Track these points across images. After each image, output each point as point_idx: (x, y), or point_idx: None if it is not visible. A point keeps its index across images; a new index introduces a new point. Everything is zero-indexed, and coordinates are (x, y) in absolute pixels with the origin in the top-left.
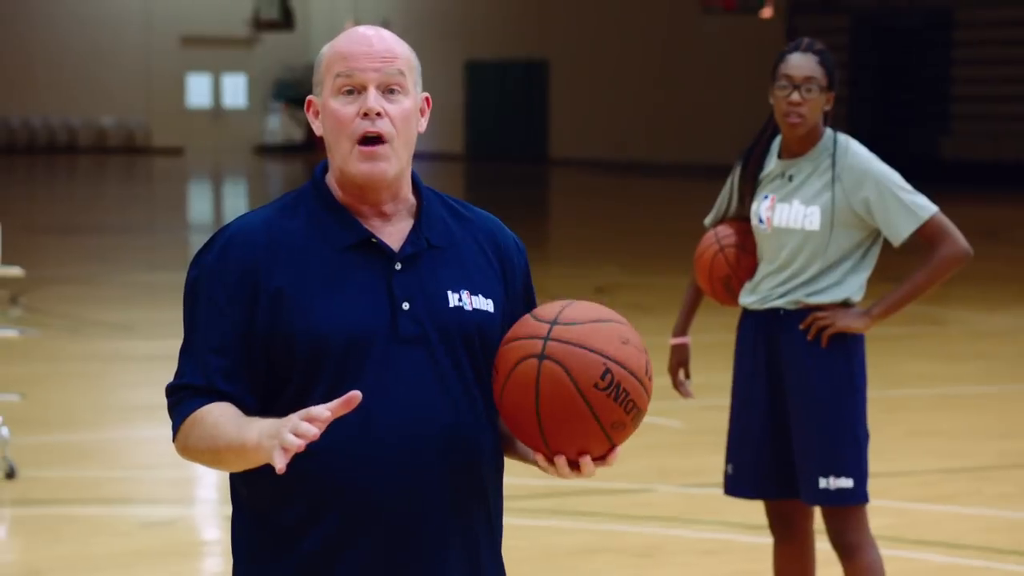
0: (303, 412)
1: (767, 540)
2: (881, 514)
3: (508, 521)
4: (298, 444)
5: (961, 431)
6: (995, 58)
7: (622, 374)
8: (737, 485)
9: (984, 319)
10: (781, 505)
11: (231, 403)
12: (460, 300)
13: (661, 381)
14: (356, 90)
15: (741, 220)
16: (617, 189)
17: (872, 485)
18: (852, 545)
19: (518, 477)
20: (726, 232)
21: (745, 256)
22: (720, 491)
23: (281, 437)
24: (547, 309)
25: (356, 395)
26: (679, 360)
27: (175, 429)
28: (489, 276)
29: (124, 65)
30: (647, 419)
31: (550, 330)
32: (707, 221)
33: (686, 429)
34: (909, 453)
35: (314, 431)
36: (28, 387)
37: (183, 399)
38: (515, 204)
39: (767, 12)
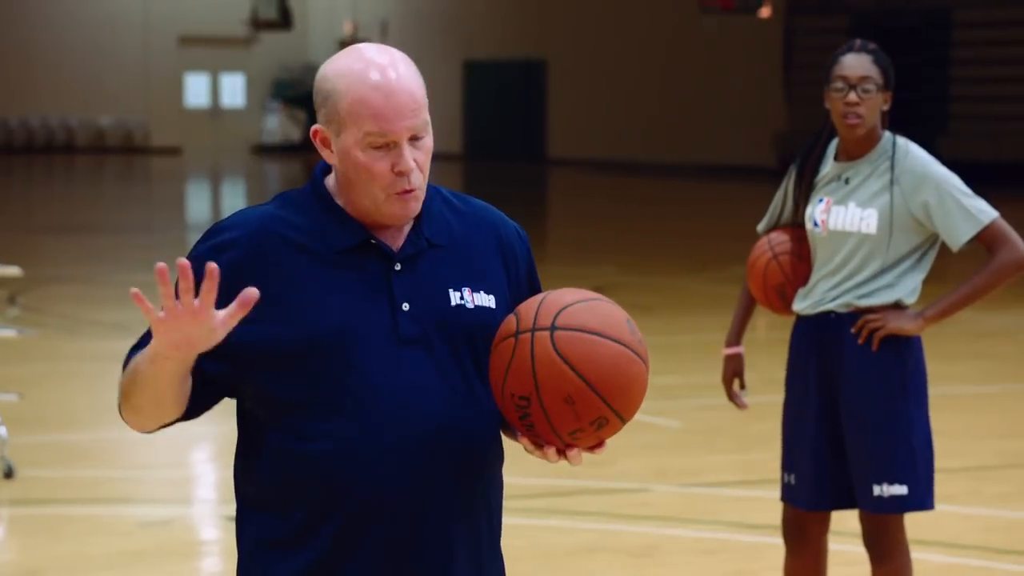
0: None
1: (765, 540)
2: None
3: (506, 520)
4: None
5: (960, 431)
6: (993, 58)
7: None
8: (798, 495)
9: (982, 319)
10: (798, 514)
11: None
12: (462, 298)
13: (660, 381)
14: (387, 144)
15: (795, 227)
16: (615, 189)
17: None
18: (887, 551)
19: (516, 476)
20: (780, 239)
21: (799, 263)
22: (718, 491)
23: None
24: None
25: (253, 293)
26: (734, 370)
27: (122, 379)
28: (491, 270)
29: (122, 65)
30: (645, 419)
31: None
32: (760, 227)
33: (684, 429)
34: None
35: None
36: (26, 387)
37: (134, 349)
38: (513, 204)
39: (765, 12)
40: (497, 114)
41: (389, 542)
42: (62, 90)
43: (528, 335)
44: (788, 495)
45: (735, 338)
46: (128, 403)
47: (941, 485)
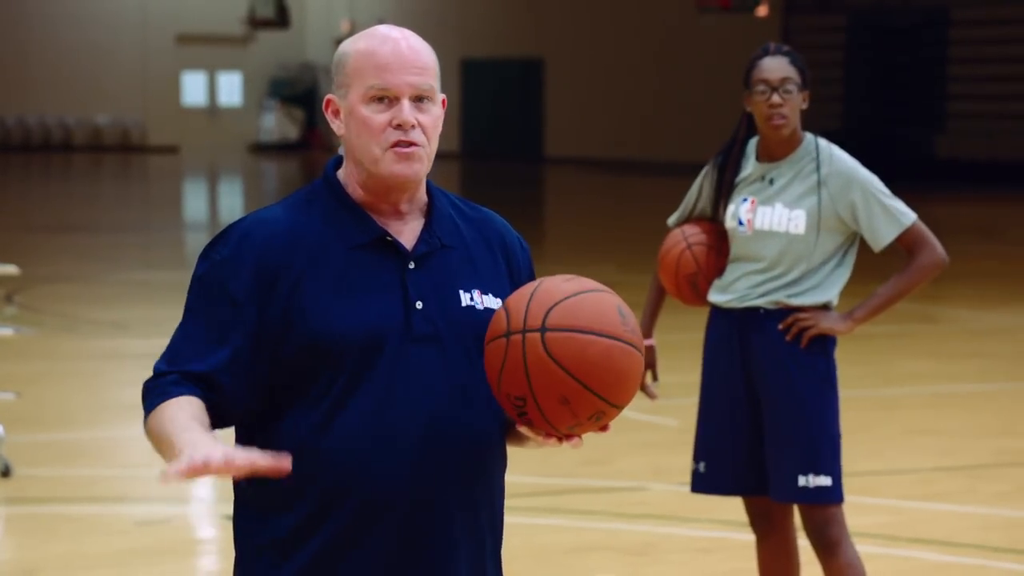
0: (230, 452)
1: None
2: (876, 512)
3: (504, 519)
4: (179, 471)
5: (956, 429)
6: (991, 56)
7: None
8: (709, 482)
9: (979, 317)
10: (761, 502)
11: (209, 399)
12: (472, 299)
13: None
14: (388, 99)
15: (707, 220)
16: (613, 188)
17: (867, 483)
18: (833, 543)
19: (513, 475)
20: (693, 231)
21: (713, 255)
22: None
23: (181, 456)
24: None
25: (286, 466)
26: (647, 362)
27: (147, 411)
28: (497, 275)
29: (120, 63)
30: (642, 417)
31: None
32: (671, 221)
33: (681, 427)
34: (904, 451)
35: (198, 462)
36: (23, 385)
37: (167, 383)
38: (511, 203)
39: (763, 11)
40: (494, 113)
41: (392, 539)
42: (59, 88)
43: (519, 337)
44: (697, 484)
45: (646, 331)
46: (151, 439)
47: (937, 483)
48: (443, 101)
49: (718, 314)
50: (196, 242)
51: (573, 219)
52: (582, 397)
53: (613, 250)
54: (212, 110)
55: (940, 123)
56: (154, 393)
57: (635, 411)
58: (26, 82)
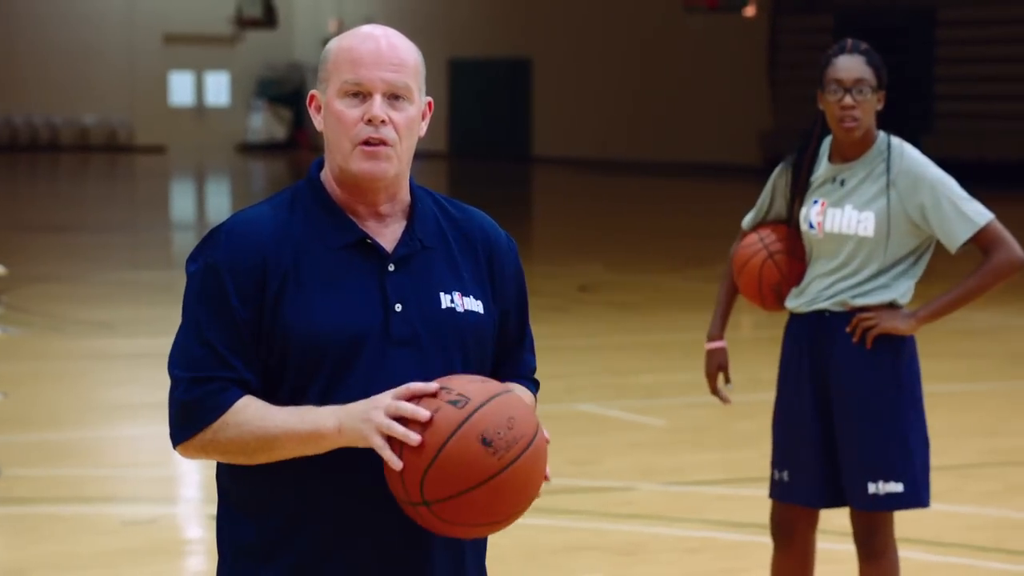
0: (394, 392)
1: (750, 538)
2: None
3: None
4: (401, 431)
5: (945, 429)
6: (978, 57)
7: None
8: (791, 492)
9: (968, 317)
10: (787, 510)
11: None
12: (452, 302)
13: (645, 380)
14: (362, 95)
15: (783, 224)
16: (600, 187)
17: None
18: (879, 549)
19: None
20: (772, 238)
21: (795, 262)
22: (703, 489)
23: (377, 421)
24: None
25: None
26: (719, 364)
27: (207, 422)
28: (480, 276)
29: (107, 63)
30: (631, 417)
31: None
32: (746, 223)
33: (669, 427)
34: None
35: (424, 413)
36: (11, 386)
37: (215, 391)
38: (498, 202)
39: (750, 11)
40: (482, 113)
41: (370, 543)
42: (46, 88)
43: (413, 509)
44: (781, 492)
45: (718, 332)
46: (223, 447)
47: None
48: (429, 104)
49: (792, 320)
50: (183, 242)
51: (561, 219)
52: (505, 524)
53: (601, 250)
54: (199, 110)
55: (927, 123)
56: (208, 404)
57: (623, 411)
58: (13, 81)
